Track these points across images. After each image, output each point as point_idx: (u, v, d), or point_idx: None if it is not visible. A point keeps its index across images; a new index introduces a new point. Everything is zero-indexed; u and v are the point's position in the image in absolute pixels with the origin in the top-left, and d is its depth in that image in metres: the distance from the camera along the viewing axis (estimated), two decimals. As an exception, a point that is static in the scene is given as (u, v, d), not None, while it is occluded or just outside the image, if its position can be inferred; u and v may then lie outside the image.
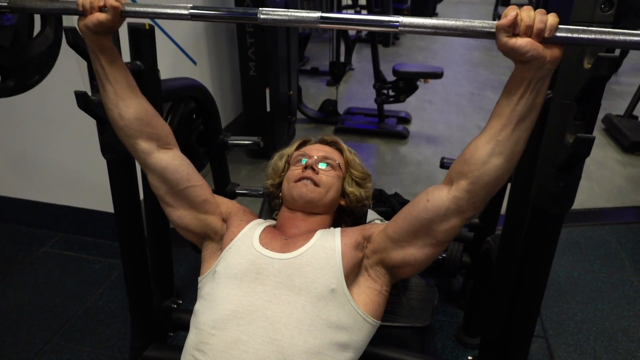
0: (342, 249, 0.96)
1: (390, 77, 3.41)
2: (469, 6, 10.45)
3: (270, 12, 0.79)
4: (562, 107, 0.81)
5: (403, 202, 2.05)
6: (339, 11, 4.54)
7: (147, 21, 1.59)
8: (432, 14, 8.45)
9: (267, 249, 0.98)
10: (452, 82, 4.80)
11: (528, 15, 0.68)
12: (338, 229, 1.04)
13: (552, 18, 0.68)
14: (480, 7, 10.02)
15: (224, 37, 3.05)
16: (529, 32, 0.68)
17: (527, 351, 1.10)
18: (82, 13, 0.85)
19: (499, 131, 0.77)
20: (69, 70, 1.74)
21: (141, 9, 0.85)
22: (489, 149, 0.78)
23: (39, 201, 2.30)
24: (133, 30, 1.12)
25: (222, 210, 1.09)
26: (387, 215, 1.96)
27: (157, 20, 2.21)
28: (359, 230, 1.04)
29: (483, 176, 0.79)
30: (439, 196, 0.86)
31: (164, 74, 1.28)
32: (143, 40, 1.14)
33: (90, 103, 1.05)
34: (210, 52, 2.88)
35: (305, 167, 1.10)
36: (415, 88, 3.33)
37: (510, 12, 0.68)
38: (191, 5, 0.83)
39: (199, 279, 1.04)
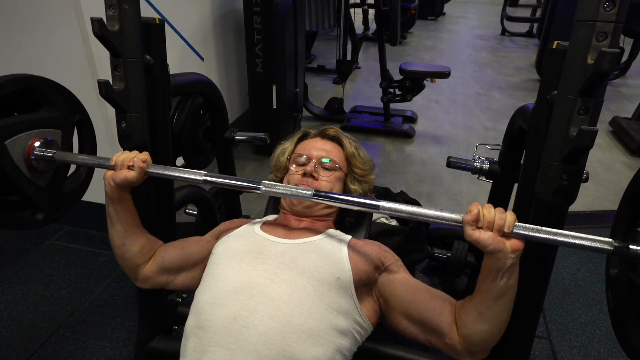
0: (349, 254, 0.97)
1: (397, 76, 3.40)
2: (477, 6, 10.40)
3: (271, 186, 0.93)
4: (566, 101, 0.82)
5: (408, 201, 2.05)
6: (346, 10, 4.50)
7: (156, 16, 1.59)
8: (440, 13, 8.43)
9: (270, 234, 1.00)
10: (458, 82, 4.79)
11: (489, 212, 0.76)
12: (349, 237, 1.05)
13: (509, 216, 0.77)
14: (488, 8, 9.96)
15: (232, 33, 3.05)
16: (490, 226, 0.76)
17: (529, 350, 1.10)
18: (113, 168, 0.99)
19: (480, 304, 0.84)
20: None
21: (162, 171, 0.99)
22: (475, 316, 0.85)
23: (46, 194, 2.31)
24: (144, 24, 1.12)
25: (216, 236, 1.11)
26: (392, 214, 1.96)
27: (165, 15, 2.22)
28: (377, 244, 1.04)
29: (473, 336, 0.86)
30: (449, 330, 0.90)
31: (171, 69, 1.28)
32: (153, 35, 1.14)
33: (112, 92, 1.06)
34: (217, 48, 2.89)
35: (304, 174, 1.10)
36: (422, 87, 3.32)
37: (473, 209, 0.77)
38: (205, 172, 0.97)
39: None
